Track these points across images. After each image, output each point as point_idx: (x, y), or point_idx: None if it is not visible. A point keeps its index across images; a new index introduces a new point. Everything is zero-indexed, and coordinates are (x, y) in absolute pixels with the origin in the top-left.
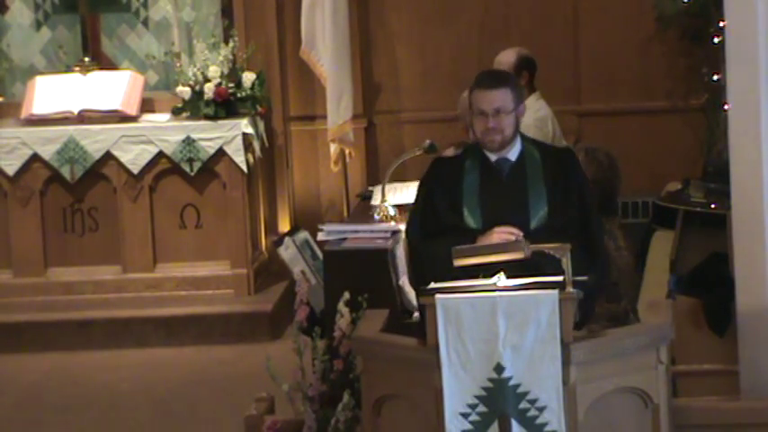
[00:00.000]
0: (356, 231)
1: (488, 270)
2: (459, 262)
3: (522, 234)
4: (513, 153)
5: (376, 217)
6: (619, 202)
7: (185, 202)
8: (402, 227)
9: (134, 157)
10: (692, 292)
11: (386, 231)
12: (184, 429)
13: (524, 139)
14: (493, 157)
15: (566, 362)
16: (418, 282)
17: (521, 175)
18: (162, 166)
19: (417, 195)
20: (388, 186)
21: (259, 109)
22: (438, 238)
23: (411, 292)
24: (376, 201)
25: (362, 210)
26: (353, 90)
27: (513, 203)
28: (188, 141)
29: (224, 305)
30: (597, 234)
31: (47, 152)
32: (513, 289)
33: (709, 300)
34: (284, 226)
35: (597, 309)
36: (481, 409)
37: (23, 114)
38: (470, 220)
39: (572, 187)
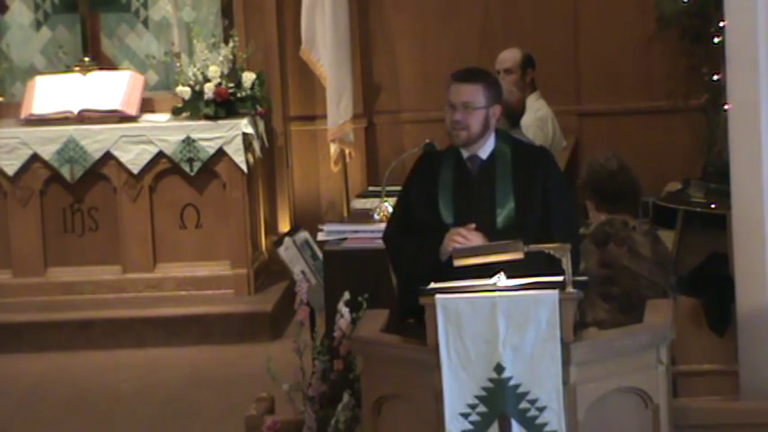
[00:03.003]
0: (356, 231)
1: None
2: (458, 262)
3: (471, 235)
4: (484, 151)
5: (376, 217)
6: (638, 192)
7: (185, 202)
8: None
9: (134, 157)
10: (692, 292)
11: None
12: (184, 429)
13: (499, 137)
14: (465, 155)
15: (566, 362)
16: (397, 278)
17: (490, 174)
18: (162, 166)
19: (400, 192)
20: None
21: (259, 109)
22: (407, 236)
23: None
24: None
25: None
26: (353, 90)
27: (481, 201)
28: (188, 141)
29: (224, 305)
30: (560, 236)
31: (47, 152)
32: (513, 289)
33: (709, 300)
34: (284, 226)
35: (608, 318)
36: (481, 409)
37: (23, 114)
38: (446, 216)
39: (537, 186)
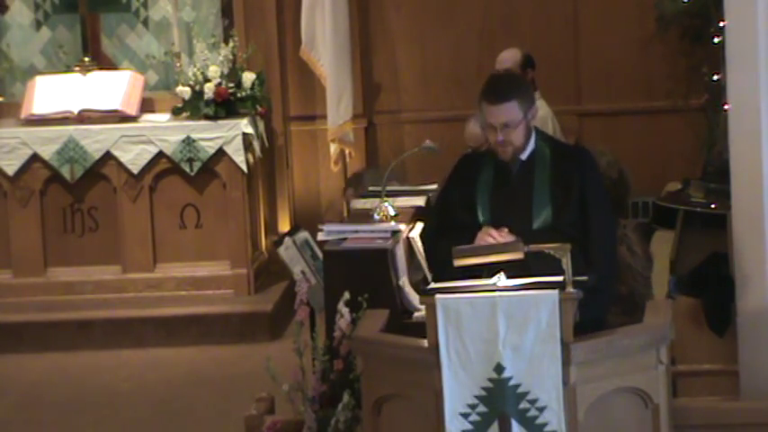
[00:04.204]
0: (356, 231)
1: (490, 270)
2: (458, 262)
3: (500, 236)
4: (524, 152)
5: (376, 217)
6: (629, 203)
7: (185, 202)
8: (402, 227)
9: (134, 157)
10: (692, 292)
11: (386, 231)
12: (184, 429)
13: (540, 137)
14: None
15: (566, 362)
16: (433, 277)
17: (529, 175)
18: (162, 166)
19: (440, 190)
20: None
21: (259, 109)
22: (444, 237)
23: (411, 293)
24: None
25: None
26: (353, 90)
27: (518, 203)
28: (188, 141)
29: (224, 305)
30: (598, 237)
31: (47, 152)
32: (513, 289)
33: (709, 300)
34: (284, 226)
35: (614, 321)
36: (481, 409)
37: (23, 114)
38: (483, 217)
39: (574, 187)
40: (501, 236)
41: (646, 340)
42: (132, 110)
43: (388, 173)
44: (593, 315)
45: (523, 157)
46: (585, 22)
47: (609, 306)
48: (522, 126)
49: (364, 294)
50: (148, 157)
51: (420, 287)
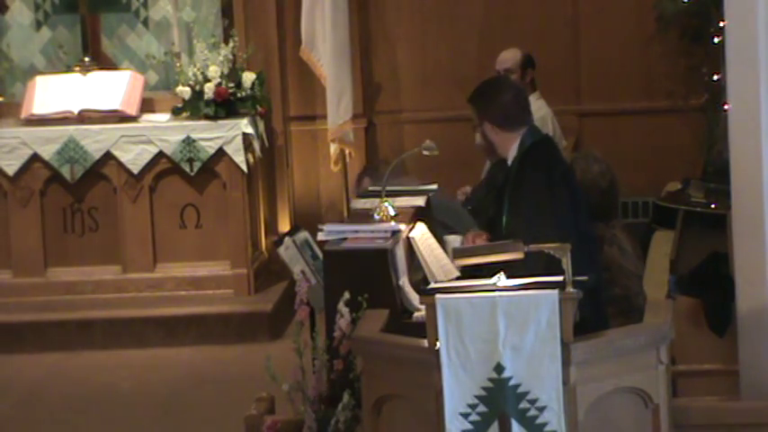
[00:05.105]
0: (356, 231)
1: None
2: (458, 262)
3: (478, 240)
4: (509, 157)
5: (376, 217)
6: (619, 202)
7: (185, 202)
8: (402, 227)
9: (134, 157)
10: (692, 292)
11: (386, 231)
12: (184, 429)
13: (529, 140)
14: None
15: (566, 362)
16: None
17: (506, 180)
18: (162, 166)
19: None
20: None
21: (259, 109)
22: None
23: (411, 293)
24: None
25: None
26: (353, 90)
27: (500, 206)
28: (188, 141)
29: (224, 305)
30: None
31: (47, 152)
32: (513, 289)
33: (709, 300)
34: (284, 226)
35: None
36: (481, 408)
37: (23, 114)
38: None
39: (513, 197)
40: (474, 240)
41: (646, 340)
42: (132, 110)
43: (388, 173)
44: None
45: (509, 161)
46: (585, 22)
47: None
48: (480, 131)
49: (364, 294)
50: (148, 157)
51: (420, 287)
